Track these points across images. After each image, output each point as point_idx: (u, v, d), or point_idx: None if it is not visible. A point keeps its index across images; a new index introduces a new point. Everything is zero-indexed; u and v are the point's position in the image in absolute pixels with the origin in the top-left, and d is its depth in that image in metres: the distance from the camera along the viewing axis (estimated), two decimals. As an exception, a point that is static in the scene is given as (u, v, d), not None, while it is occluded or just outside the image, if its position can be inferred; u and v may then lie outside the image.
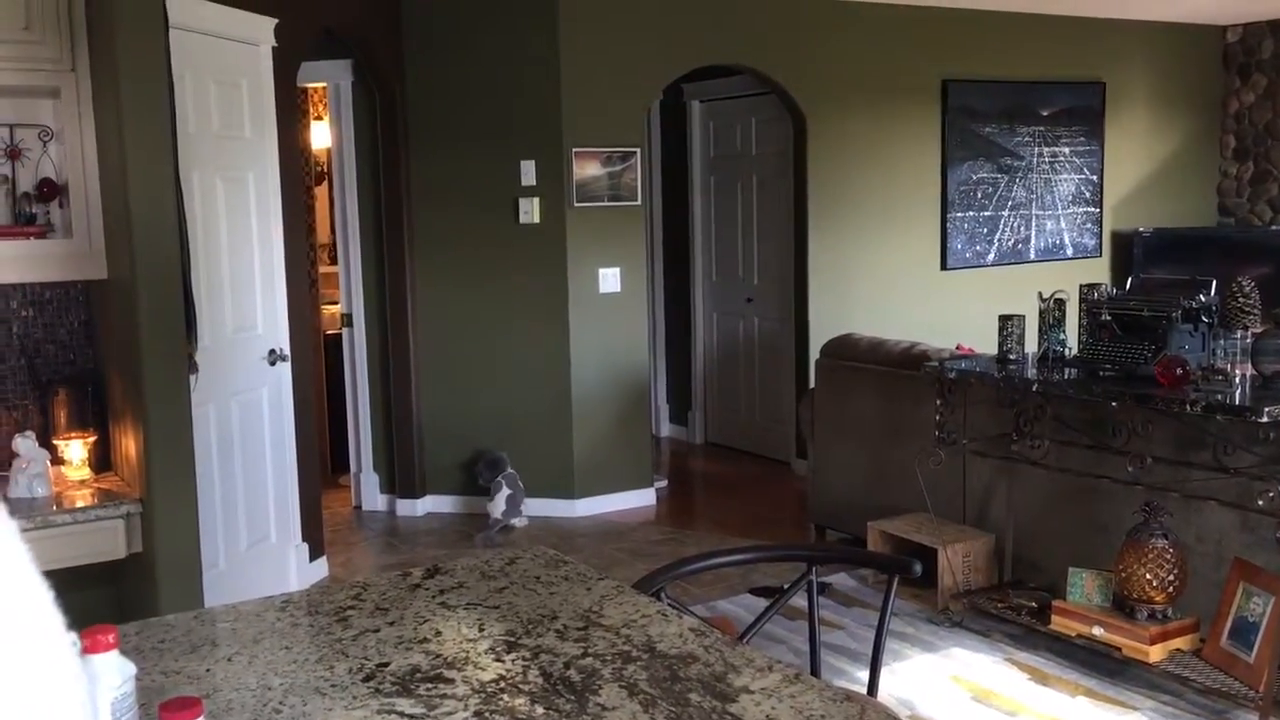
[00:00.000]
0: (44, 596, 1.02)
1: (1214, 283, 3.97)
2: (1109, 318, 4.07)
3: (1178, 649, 3.74)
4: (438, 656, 1.79)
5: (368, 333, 6.21)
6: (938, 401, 4.45)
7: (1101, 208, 7.83)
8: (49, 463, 3.25)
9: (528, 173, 5.92)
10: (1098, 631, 3.85)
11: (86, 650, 1.35)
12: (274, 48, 4.73)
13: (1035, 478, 4.44)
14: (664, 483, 6.67)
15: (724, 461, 7.34)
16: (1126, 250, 7.85)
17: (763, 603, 4.50)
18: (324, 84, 6.25)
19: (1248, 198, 8.18)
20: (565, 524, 5.95)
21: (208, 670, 1.76)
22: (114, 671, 1.37)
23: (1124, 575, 3.78)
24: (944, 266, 7.21)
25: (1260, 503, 3.49)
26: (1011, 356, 4.30)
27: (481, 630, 1.90)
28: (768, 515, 6.07)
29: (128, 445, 3.31)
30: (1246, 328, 3.79)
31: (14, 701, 0.95)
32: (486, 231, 6.01)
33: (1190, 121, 8.17)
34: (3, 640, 0.95)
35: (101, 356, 3.56)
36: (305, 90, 7.18)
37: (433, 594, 2.08)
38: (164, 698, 1.52)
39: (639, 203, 6.13)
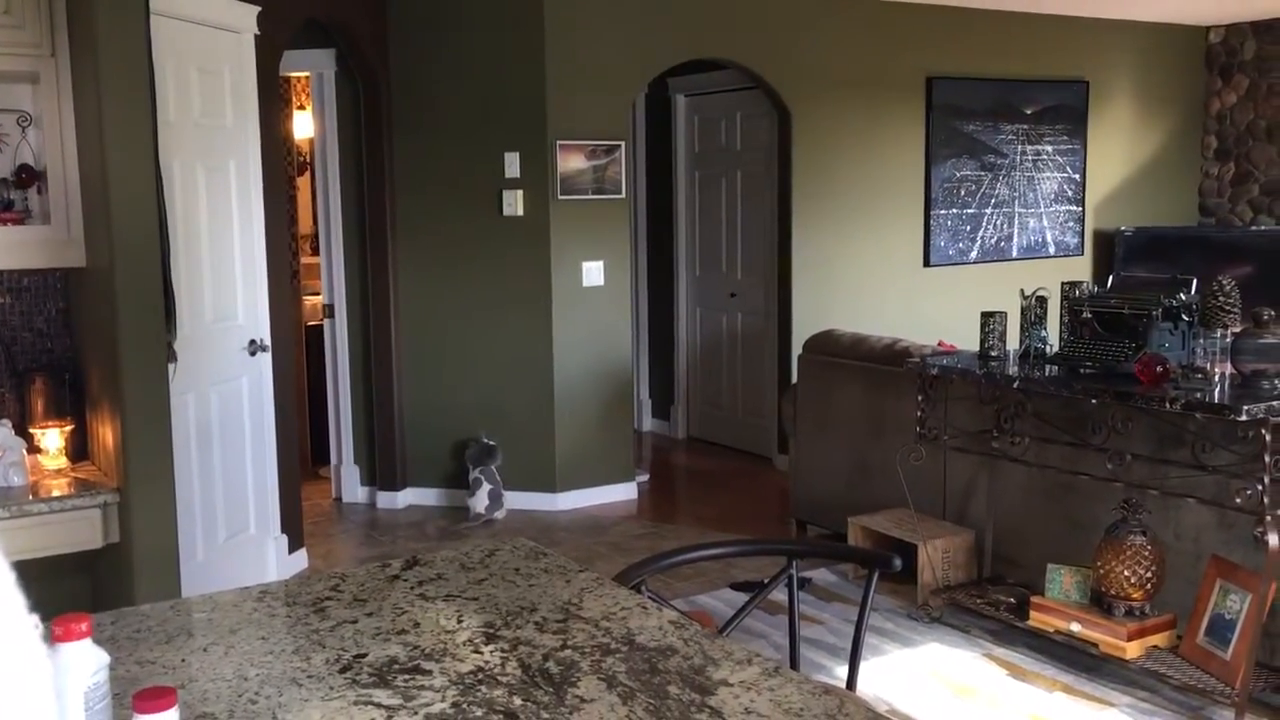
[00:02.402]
0: (6, 579, 1.01)
1: (1194, 282, 3.99)
2: (1090, 315, 4.08)
3: (1155, 646, 3.76)
4: (416, 648, 1.78)
5: (349, 324, 6.19)
6: (919, 398, 4.46)
7: (1084, 206, 7.86)
8: (25, 451, 3.23)
9: (511, 165, 5.90)
10: (1075, 628, 3.87)
11: (59, 639, 1.34)
12: (256, 35, 4.69)
13: (1015, 474, 4.45)
14: (645, 477, 6.66)
15: (706, 456, 7.34)
16: (1108, 249, 7.88)
17: (743, 597, 4.50)
18: (307, 73, 6.22)
19: (1229, 198, 8.23)
20: (546, 518, 5.94)
21: (183, 660, 1.75)
22: (87, 660, 1.36)
23: (1102, 572, 3.80)
24: (927, 263, 7.23)
25: (1238, 500, 3.51)
26: (993, 353, 4.31)
27: (460, 622, 1.89)
28: (749, 510, 6.08)
29: (105, 434, 3.28)
30: (1226, 327, 3.81)
31: None
32: (470, 223, 5.99)
33: (1172, 121, 8.21)
34: None
35: (79, 345, 3.53)
36: (288, 79, 7.15)
37: (411, 585, 2.08)
38: (138, 687, 1.51)
39: (623, 196, 6.12)
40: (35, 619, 1.06)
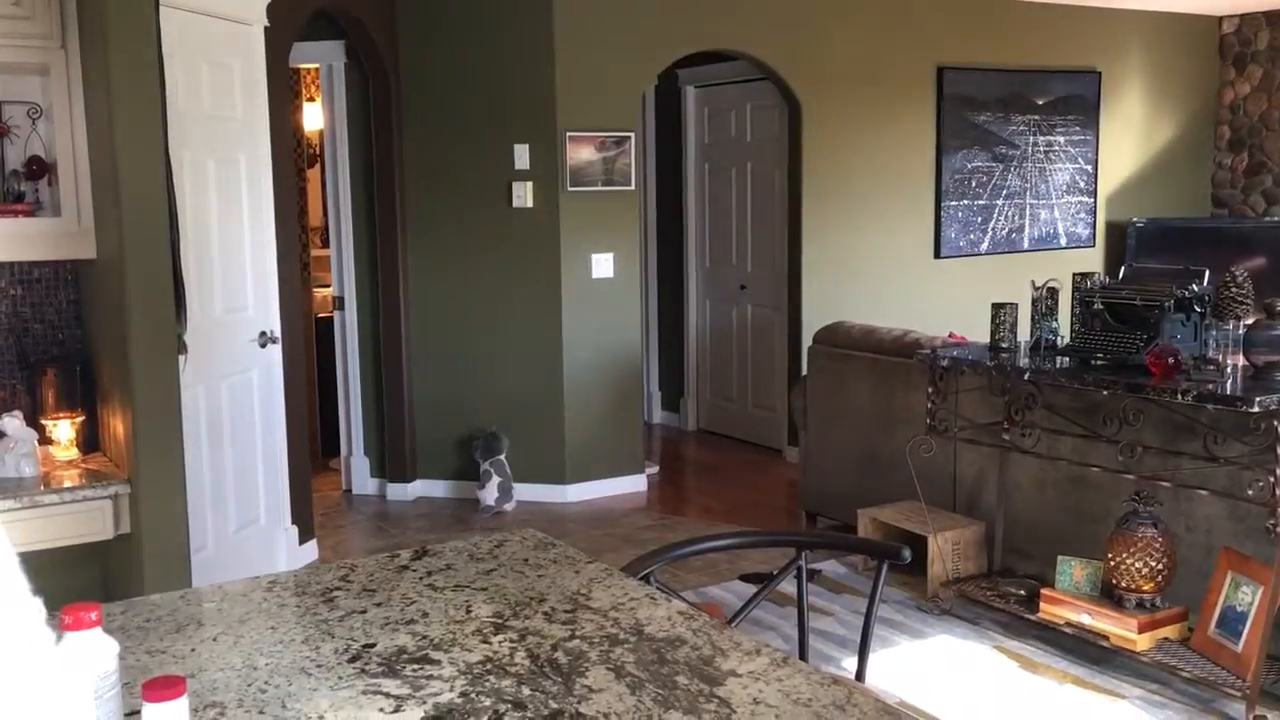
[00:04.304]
0: (9, 563, 1.01)
1: (1207, 273, 3.97)
2: (1101, 307, 4.06)
3: (1166, 638, 3.75)
4: (424, 638, 1.78)
5: (359, 316, 6.19)
6: (929, 389, 4.45)
7: (1096, 197, 7.83)
8: (37, 442, 3.24)
9: (521, 156, 5.90)
10: (1086, 620, 3.86)
11: (69, 628, 1.34)
12: (266, 27, 4.69)
13: (1026, 466, 4.44)
14: (655, 469, 6.66)
15: (716, 448, 7.34)
16: (1120, 240, 7.85)
17: (752, 589, 4.50)
18: (317, 65, 6.22)
19: (1242, 189, 8.19)
20: (556, 510, 5.95)
21: (193, 650, 1.76)
22: (97, 649, 1.36)
23: (1113, 564, 3.79)
24: (937, 255, 7.21)
25: (1250, 492, 3.49)
26: (1004, 345, 4.30)
27: (469, 612, 1.89)
28: (759, 502, 6.07)
29: (116, 426, 3.29)
30: (1239, 318, 3.79)
31: None
32: (479, 215, 5.99)
33: (1185, 112, 8.17)
34: None
35: (90, 336, 3.54)
36: (298, 71, 7.15)
37: (420, 576, 2.08)
38: (148, 676, 1.52)
39: (633, 188, 6.11)
40: (39, 603, 1.06)
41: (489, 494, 5.84)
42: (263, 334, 4.68)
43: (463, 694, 1.58)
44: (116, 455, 3.32)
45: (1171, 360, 3.66)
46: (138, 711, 1.34)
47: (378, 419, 6.23)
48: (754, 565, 4.84)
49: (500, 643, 1.76)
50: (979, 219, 7.33)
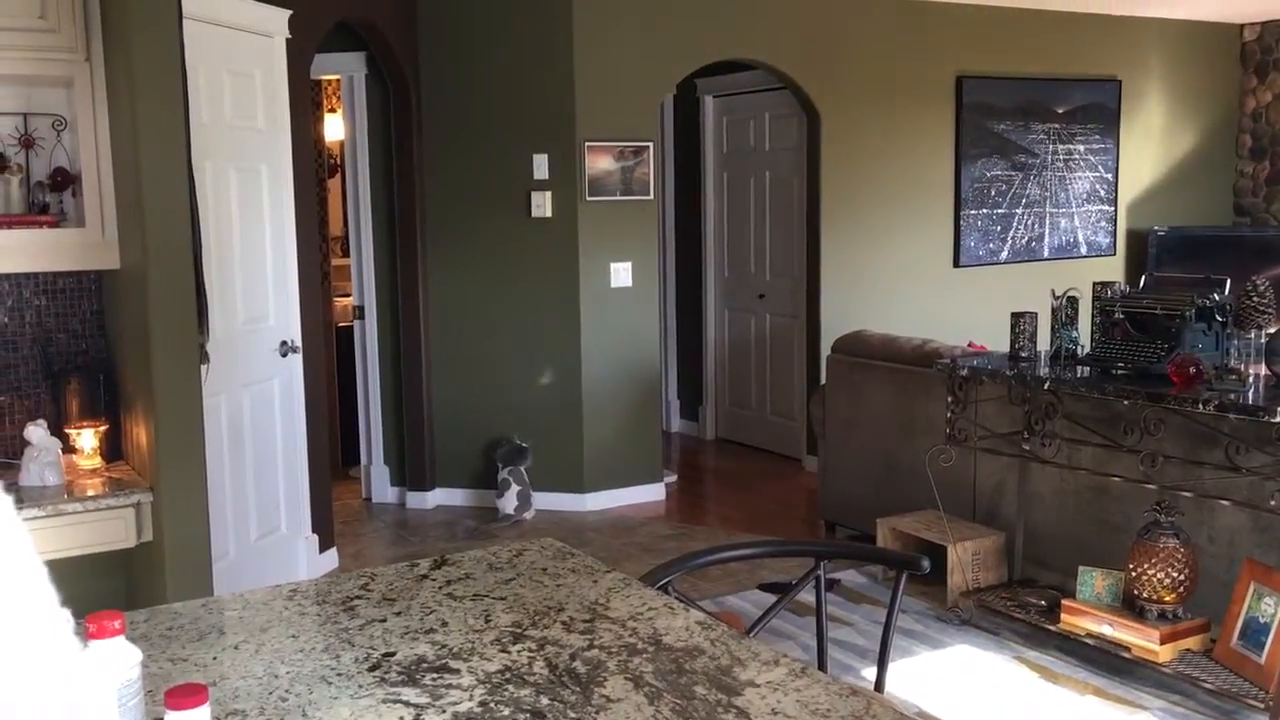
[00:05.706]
0: (38, 572, 1.02)
1: (1228, 282, 3.95)
2: (1122, 316, 4.05)
3: (1188, 649, 3.73)
4: (444, 647, 1.79)
5: (379, 325, 6.22)
6: (949, 399, 4.44)
7: (1116, 206, 7.80)
8: (61, 451, 3.26)
9: (540, 166, 5.92)
10: (1107, 630, 3.83)
11: (93, 636, 1.36)
12: (288, 39, 4.73)
13: (1046, 476, 4.42)
14: (674, 478, 6.66)
15: (734, 457, 7.33)
16: (1141, 249, 7.81)
17: (771, 598, 4.49)
18: (337, 76, 6.26)
19: (1264, 197, 8.14)
20: (574, 518, 5.95)
21: (215, 658, 1.77)
22: (120, 657, 1.37)
23: (1134, 574, 3.77)
24: (957, 264, 7.19)
25: (1273, 503, 3.47)
26: (1023, 354, 4.29)
27: (488, 621, 1.90)
28: (778, 511, 6.06)
29: (139, 434, 3.32)
30: (1260, 327, 3.77)
31: (5, 672, 0.95)
32: (499, 225, 6.01)
33: (1206, 120, 8.13)
34: None
35: (114, 346, 3.57)
36: (319, 82, 7.20)
37: (440, 585, 2.09)
38: (171, 684, 1.53)
39: (651, 197, 6.12)
40: (67, 613, 1.07)
41: (508, 503, 5.85)
42: (284, 343, 4.71)
43: (482, 703, 1.58)
44: (139, 464, 3.34)
45: (1193, 370, 3.65)
46: (161, 719, 1.35)
47: (397, 428, 6.26)
48: (773, 575, 4.84)
49: (519, 652, 1.76)
50: (998, 228, 7.31)
